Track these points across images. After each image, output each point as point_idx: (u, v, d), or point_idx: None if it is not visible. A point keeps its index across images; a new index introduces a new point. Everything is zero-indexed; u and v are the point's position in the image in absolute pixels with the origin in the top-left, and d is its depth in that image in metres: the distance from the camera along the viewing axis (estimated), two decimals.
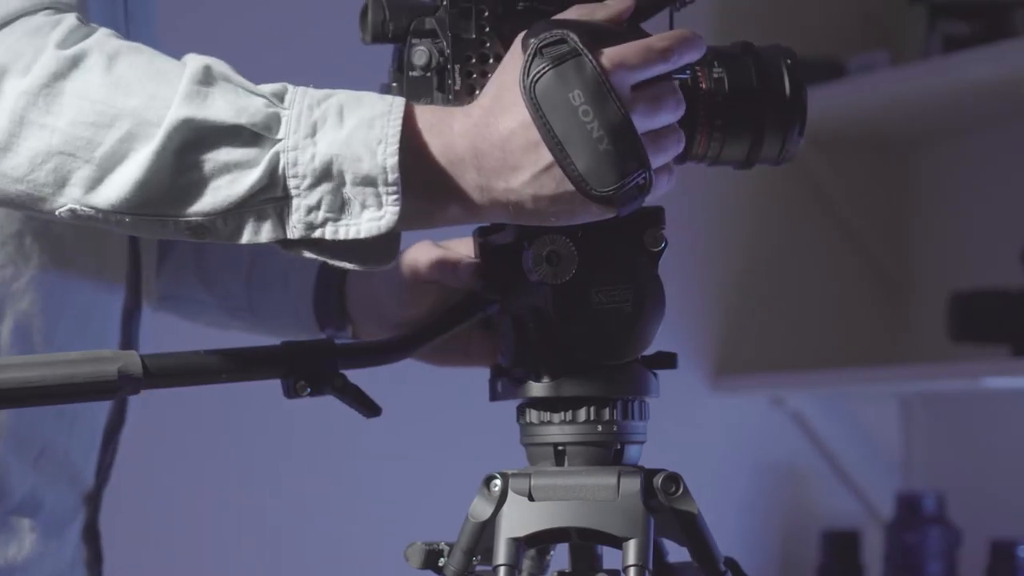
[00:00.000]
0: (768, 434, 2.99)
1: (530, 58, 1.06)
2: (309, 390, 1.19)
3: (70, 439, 1.34)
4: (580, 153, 1.05)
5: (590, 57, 1.06)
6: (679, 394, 2.92)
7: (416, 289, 1.36)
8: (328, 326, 1.45)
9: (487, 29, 1.14)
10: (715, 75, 1.15)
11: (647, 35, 1.12)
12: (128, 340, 1.38)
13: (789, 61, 1.16)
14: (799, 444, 3.00)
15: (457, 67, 1.13)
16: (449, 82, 1.13)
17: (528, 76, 1.05)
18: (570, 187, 1.06)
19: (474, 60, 1.14)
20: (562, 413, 1.15)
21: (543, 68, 1.05)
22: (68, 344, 1.31)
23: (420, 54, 1.14)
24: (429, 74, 1.14)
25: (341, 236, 1.07)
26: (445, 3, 1.14)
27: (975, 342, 2.66)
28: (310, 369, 1.18)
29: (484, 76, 1.13)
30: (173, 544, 2.53)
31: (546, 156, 1.06)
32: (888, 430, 3.06)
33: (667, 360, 1.19)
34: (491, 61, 1.13)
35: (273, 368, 1.18)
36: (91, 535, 1.40)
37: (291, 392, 1.18)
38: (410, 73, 1.14)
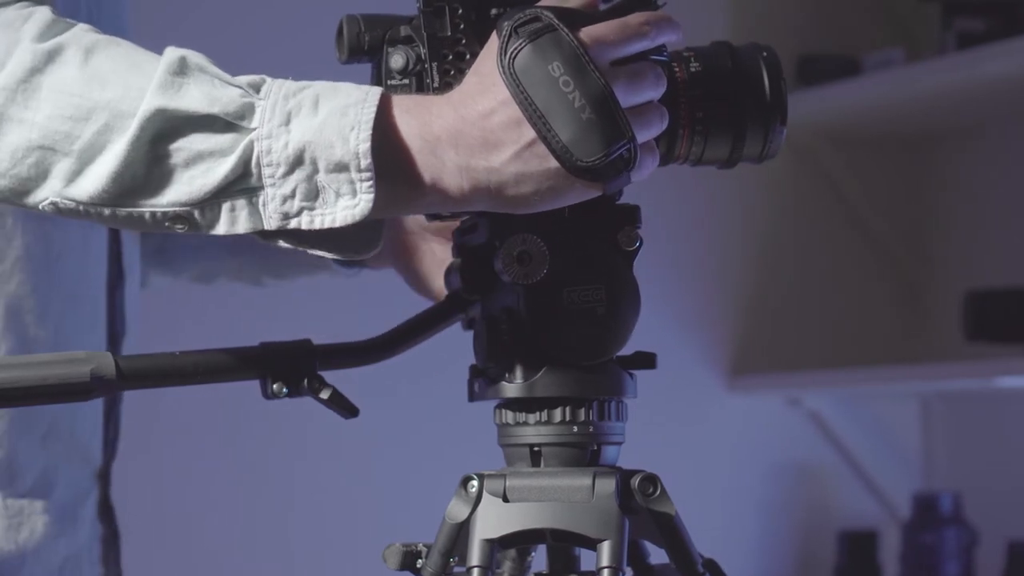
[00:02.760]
0: (785, 434, 2.98)
1: (506, 38, 1.06)
2: (286, 391, 1.18)
3: (75, 415, 1.34)
4: (563, 124, 1.04)
5: (566, 31, 1.06)
6: (695, 394, 2.91)
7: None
8: None
9: (462, 27, 1.13)
10: (692, 69, 1.14)
11: None
12: (114, 312, 1.38)
13: (765, 54, 1.15)
14: (816, 444, 2.99)
15: (435, 65, 1.13)
16: (428, 81, 1.13)
17: (506, 55, 1.05)
18: (554, 163, 1.05)
19: (451, 57, 1.13)
20: (537, 414, 1.13)
21: (520, 44, 1.05)
22: (62, 321, 1.32)
23: (397, 59, 1.14)
24: (407, 80, 1.13)
25: (316, 225, 1.06)
26: (419, 4, 1.14)
27: (990, 341, 2.64)
28: (287, 370, 1.17)
29: (461, 73, 1.12)
30: (187, 520, 2.54)
31: (528, 133, 1.05)
32: (907, 430, 3.04)
33: (646, 360, 1.17)
34: (468, 58, 1.13)
35: (250, 369, 1.17)
36: (105, 511, 1.40)
37: (268, 394, 1.18)
38: (388, 81, 1.14)
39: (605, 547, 1.09)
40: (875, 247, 3.05)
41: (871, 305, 3.06)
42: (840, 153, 2.98)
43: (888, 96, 2.79)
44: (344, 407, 1.20)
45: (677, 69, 1.14)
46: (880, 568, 2.88)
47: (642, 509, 1.12)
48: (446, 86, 1.12)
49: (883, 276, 3.06)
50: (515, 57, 1.05)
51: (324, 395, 1.18)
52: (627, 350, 1.17)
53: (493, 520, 1.11)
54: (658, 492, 1.13)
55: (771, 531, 2.95)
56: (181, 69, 1.06)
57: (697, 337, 2.92)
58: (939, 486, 2.94)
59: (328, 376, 1.20)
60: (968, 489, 2.85)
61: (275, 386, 1.17)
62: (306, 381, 1.17)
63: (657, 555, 1.21)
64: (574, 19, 1.08)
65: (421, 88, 1.13)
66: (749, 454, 2.95)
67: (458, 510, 1.13)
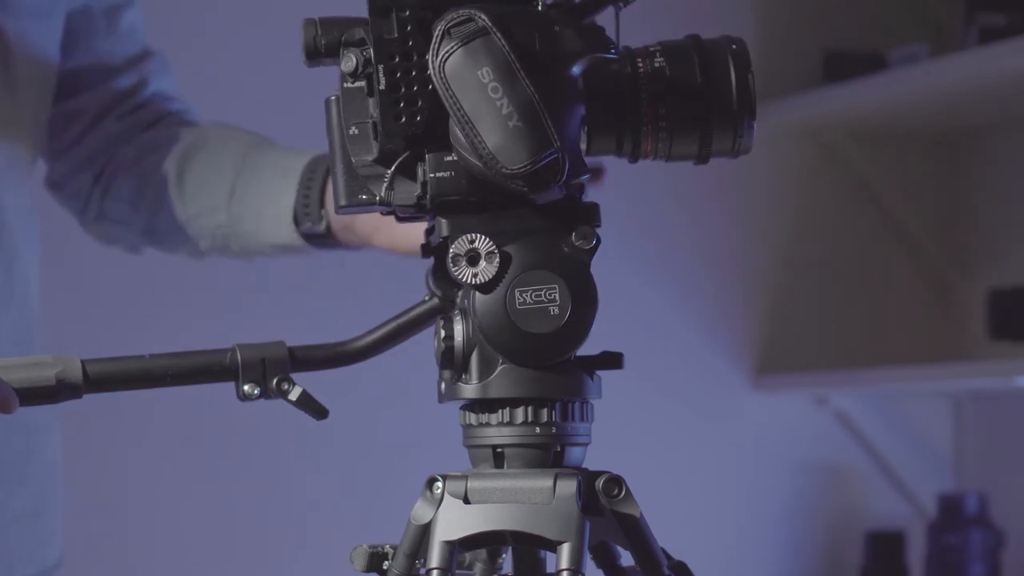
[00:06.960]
0: (811, 434, 2.96)
1: (438, 39, 1.06)
2: (258, 392, 1.18)
3: None
4: (490, 130, 1.05)
5: (498, 35, 1.05)
6: (720, 393, 2.90)
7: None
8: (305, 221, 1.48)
9: (408, 28, 1.13)
10: (656, 64, 1.13)
11: (598, 27, 1.10)
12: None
13: (734, 47, 1.13)
14: (843, 444, 2.97)
15: (381, 67, 1.12)
16: (375, 84, 1.13)
17: (437, 57, 1.06)
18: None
19: (397, 58, 1.13)
20: (499, 414, 1.13)
21: (452, 48, 1.06)
22: None
23: (347, 61, 1.13)
24: (359, 82, 1.13)
25: None
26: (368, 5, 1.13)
27: (1014, 340, 2.61)
28: (260, 372, 1.18)
29: (408, 73, 1.12)
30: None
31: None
32: (937, 429, 3.01)
33: (612, 360, 1.16)
34: (415, 59, 1.12)
35: (221, 372, 1.18)
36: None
37: (241, 395, 1.18)
38: (343, 84, 1.14)
39: (564, 549, 1.08)
40: (901, 244, 3.02)
41: (898, 303, 3.03)
42: (866, 149, 2.96)
43: (914, 91, 2.78)
44: (314, 409, 1.20)
45: (641, 64, 1.13)
46: (907, 569, 2.86)
47: (607, 511, 1.12)
48: (392, 85, 1.12)
49: (910, 273, 3.04)
50: (446, 60, 1.05)
51: (293, 396, 1.18)
52: (618, 348, 1.16)
53: (454, 522, 1.11)
54: (623, 494, 1.12)
55: (797, 531, 2.94)
56: None
57: (723, 336, 2.91)
58: (969, 487, 2.91)
59: (299, 376, 1.20)
60: (998, 490, 2.82)
61: (246, 387, 1.17)
62: (275, 382, 1.17)
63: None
64: (508, 19, 1.07)
65: (371, 90, 1.13)
66: (775, 454, 2.94)
67: (423, 511, 1.13)
